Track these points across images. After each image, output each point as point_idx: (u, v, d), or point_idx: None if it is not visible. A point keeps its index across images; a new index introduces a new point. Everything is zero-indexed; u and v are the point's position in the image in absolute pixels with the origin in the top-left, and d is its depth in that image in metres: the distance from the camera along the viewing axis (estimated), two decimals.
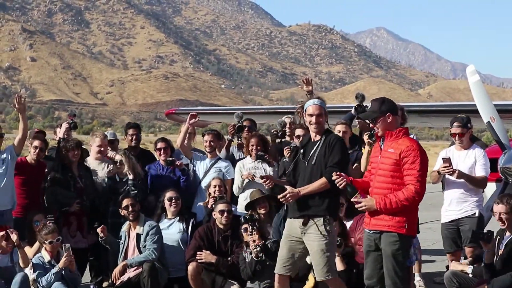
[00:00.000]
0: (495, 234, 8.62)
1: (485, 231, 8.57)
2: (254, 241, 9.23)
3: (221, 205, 9.79)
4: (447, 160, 9.22)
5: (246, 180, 10.58)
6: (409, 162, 7.18)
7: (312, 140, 7.91)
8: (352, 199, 7.36)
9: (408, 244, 7.49)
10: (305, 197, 7.73)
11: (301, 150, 7.95)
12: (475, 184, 9.35)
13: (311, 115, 7.83)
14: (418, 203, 7.35)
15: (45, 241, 9.31)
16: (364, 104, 10.83)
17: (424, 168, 7.25)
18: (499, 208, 8.49)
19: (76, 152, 10.46)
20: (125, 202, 9.93)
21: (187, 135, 10.96)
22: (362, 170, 9.75)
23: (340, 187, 7.34)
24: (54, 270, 9.17)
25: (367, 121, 10.06)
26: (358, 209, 7.42)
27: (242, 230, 9.44)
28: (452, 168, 9.17)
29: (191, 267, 9.51)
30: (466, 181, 9.29)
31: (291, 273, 7.99)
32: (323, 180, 7.61)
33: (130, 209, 9.88)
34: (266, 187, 8.40)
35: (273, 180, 8.00)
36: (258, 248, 9.17)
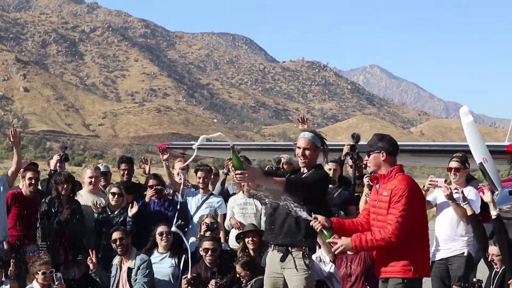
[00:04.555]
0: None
1: (477, 276, 8.59)
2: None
3: (206, 243, 9.78)
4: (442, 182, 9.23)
5: (238, 213, 10.61)
6: (394, 201, 6.96)
7: (301, 172, 7.83)
8: (327, 241, 7.12)
9: (418, 286, 7.23)
10: (283, 225, 7.64)
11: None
12: (460, 214, 9.32)
13: (299, 148, 7.78)
14: (397, 244, 6.95)
15: (38, 272, 9.21)
16: (360, 143, 10.89)
17: (408, 209, 6.93)
18: (492, 250, 8.53)
19: (65, 186, 10.43)
20: (115, 236, 9.89)
21: (181, 171, 11.11)
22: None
23: (317, 230, 7.10)
24: None
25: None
26: (335, 252, 7.08)
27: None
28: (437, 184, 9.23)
29: None
30: (452, 206, 9.29)
31: None
32: (282, 179, 7.38)
33: (118, 242, 9.84)
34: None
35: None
36: None
